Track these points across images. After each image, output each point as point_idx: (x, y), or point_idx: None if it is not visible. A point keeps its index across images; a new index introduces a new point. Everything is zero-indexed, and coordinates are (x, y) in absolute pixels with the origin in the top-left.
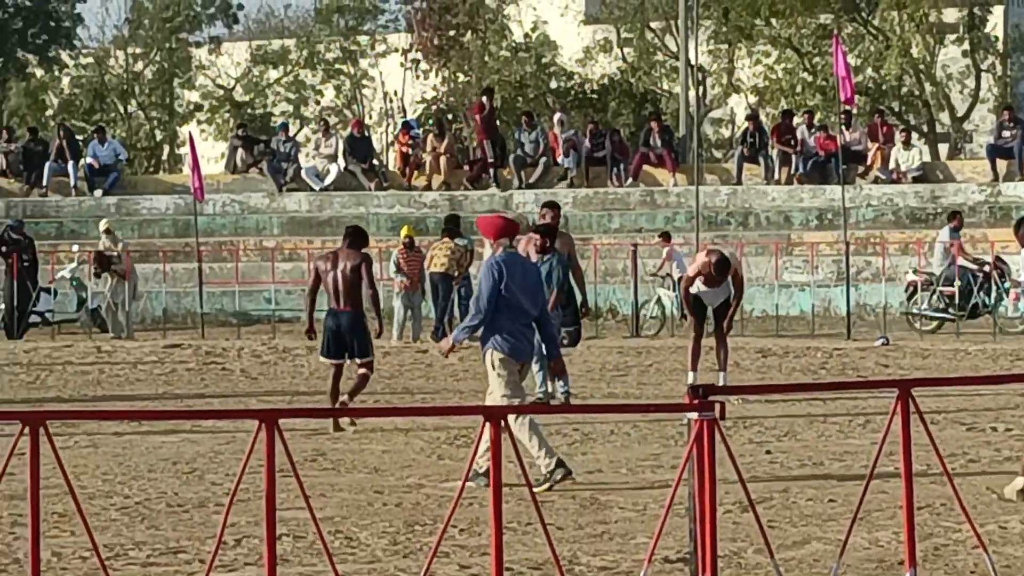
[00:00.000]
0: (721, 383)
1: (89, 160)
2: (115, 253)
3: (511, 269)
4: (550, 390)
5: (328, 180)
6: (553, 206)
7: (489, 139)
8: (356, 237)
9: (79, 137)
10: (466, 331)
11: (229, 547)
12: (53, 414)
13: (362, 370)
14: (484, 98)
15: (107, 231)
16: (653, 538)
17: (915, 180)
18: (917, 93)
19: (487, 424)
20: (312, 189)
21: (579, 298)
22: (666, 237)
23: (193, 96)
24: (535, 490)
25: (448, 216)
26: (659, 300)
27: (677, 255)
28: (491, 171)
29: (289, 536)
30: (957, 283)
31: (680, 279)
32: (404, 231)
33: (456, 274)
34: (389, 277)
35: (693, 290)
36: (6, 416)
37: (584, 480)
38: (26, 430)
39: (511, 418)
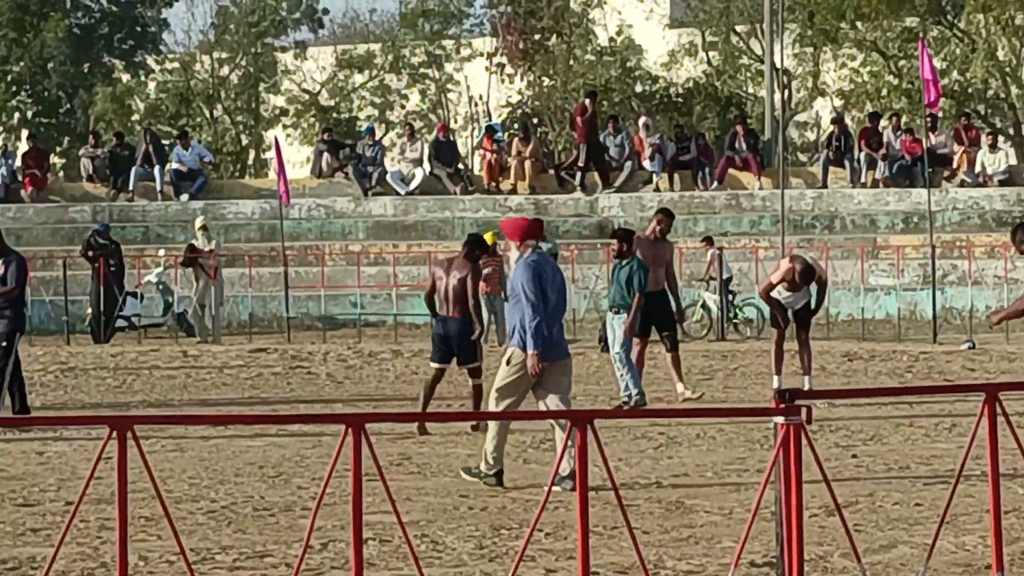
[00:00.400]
0: (806, 387)
1: (175, 165)
2: (207, 250)
3: (543, 268)
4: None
5: (413, 184)
6: (667, 213)
7: (587, 142)
8: (473, 247)
9: (165, 142)
10: (538, 337)
11: (315, 551)
12: (140, 419)
13: (474, 380)
14: (587, 100)
15: (203, 227)
16: (739, 542)
17: (1001, 183)
18: (1003, 96)
19: (573, 428)
20: (397, 193)
21: (674, 304)
22: (709, 241)
23: (279, 101)
24: (463, 475)
25: (532, 221)
26: (704, 304)
27: (721, 257)
28: (581, 174)
29: (375, 540)
30: None
31: (726, 280)
32: (488, 237)
33: None
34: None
35: (774, 294)
36: (94, 420)
37: (670, 484)
38: (114, 434)
39: (492, 404)
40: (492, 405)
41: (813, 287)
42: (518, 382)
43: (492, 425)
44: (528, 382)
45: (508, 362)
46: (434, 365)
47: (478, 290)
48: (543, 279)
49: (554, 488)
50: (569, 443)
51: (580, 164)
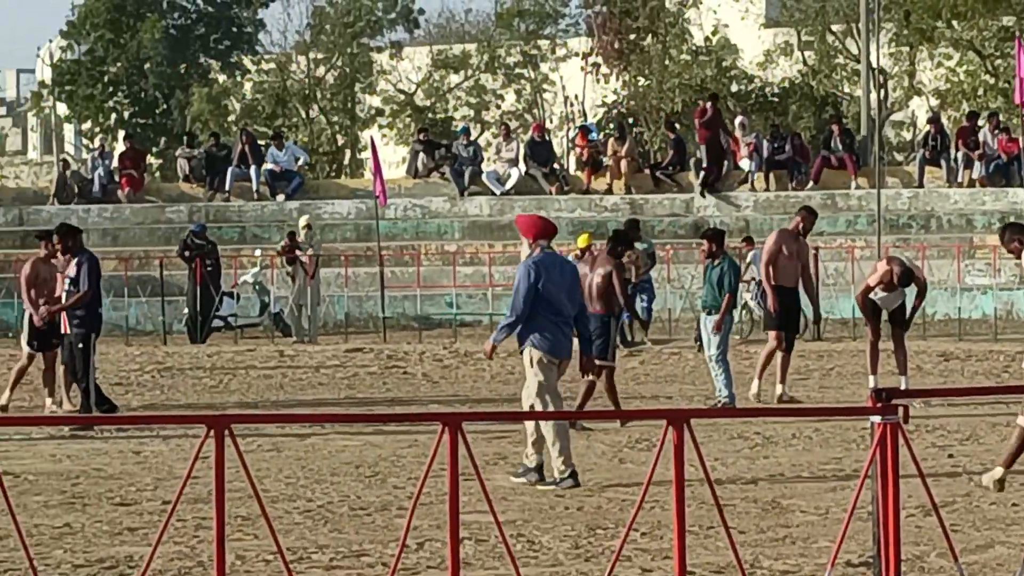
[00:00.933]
0: (902, 387)
1: (270, 165)
2: (307, 251)
3: (548, 269)
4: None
5: (509, 184)
6: (810, 211)
7: (708, 144)
8: (616, 242)
9: (261, 142)
10: (504, 331)
11: (411, 550)
12: (237, 417)
13: (591, 376)
14: (708, 104)
15: (307, 226)
16: (836, 542)
17: None
18: None
19: (670, 427)
20: (493, 193)
21: (811, 305)
22: (749, 241)
23: (374, 101)
24: (513, 480)
25: (628, 220)
26: (745, 304)
27: (755, 256)
28: (705, 176)
29: (471, 540)
30: None
31: (758, 280)
32: (582, 240)
33: (633, 279)
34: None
35: (872, 282)
36: (191, 420)
37: (766, 484)
38: (211, 433)
39: (539, 407)
40: (538, 408)
41: (911, 288)
42: (551, 377)
43: (549, 430)
44: (556, 375)
45: (531, 363)
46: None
47: (625, 285)
48: (542, 279)
49: (517, 480)
50: (558, 457)
51: (704, 166)
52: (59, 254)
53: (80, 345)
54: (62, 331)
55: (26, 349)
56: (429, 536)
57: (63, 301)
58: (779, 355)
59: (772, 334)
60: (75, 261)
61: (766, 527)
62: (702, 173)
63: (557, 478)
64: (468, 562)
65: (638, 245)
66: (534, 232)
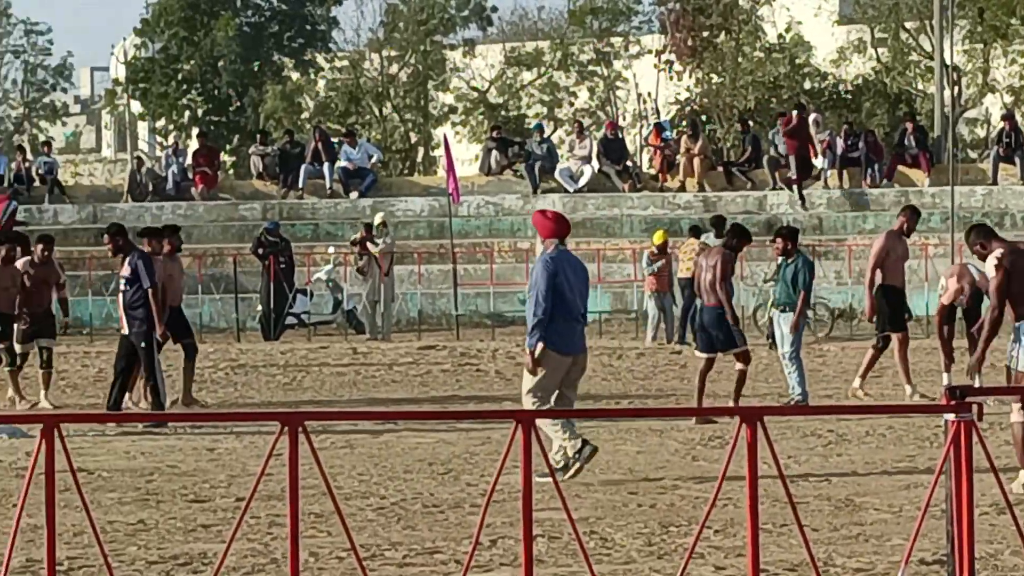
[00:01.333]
0: (976, 384)
1: (343, 163)
2: (379, 244)
3: (563, 266)
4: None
5: (582, 182)
6: (913, 210)
7: (796, 153)
8: (735, 235)
9: (334, 140)
10: (536, 333)
11: (484, 548)
12: (311, 415)
13: (739, 365)
14: (794, 112)
15: (382, 223)
16: (909, 540)
17: None
18: None
19: (743, 425)
20: (566, 191)
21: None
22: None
23: (447, 98)
24: (562, 479)
25: (714, 217)
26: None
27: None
28: (796, 187)
29: (544, 537)
30: None
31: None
32: (658, 237)
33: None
34: (641, 277)
35: (946, 300)
36: (265, 416)
37: (839, 481)
38: (285, 430)
39: (528, 403)
40: (528, 404)
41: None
42: (546, 377)
43: (550, 427)
44: (559, 375)
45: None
46: (699, 355)
47: (728, 276)
48: (559, 278)
49: (542, 480)
50: (564, 436)
51: (792, 176)
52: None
53: (143, 344)
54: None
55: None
56: (502, 533)
57: (121, 300)
58: (870, 351)
59: (895, 336)
60: (128, 260)
61: (839, 525)
62: (794, 186)
63: (572, 455)
64: (541, 559)
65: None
66: (550, 230)
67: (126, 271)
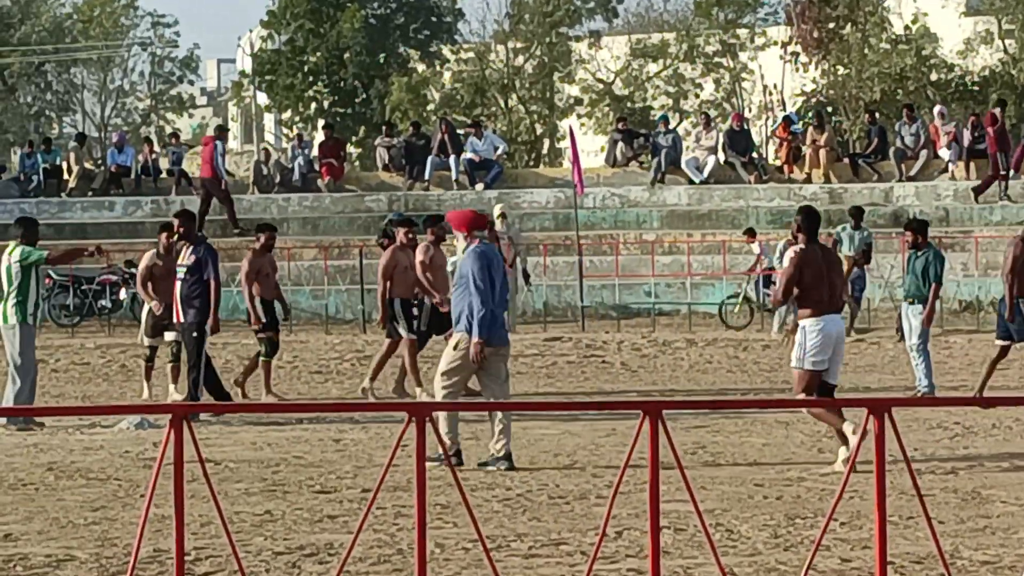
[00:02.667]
0: None
1: (469, 155)
2: (504, 236)
3: (490, 258)
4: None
5: (707, 173)
6: None
7: (1001, 151)
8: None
9: (460, 131)
10: (482, 326)
11: (610, 539)
12: (435, 406)
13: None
14: (997, 110)
15: (501, 216)
16: None
17: None
18: None
19: (870, 416)
20: (692, 182)
21: None
22: (751, 233)
23: (573, 90)
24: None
25: (853, 208)
26: (746, 295)
27: (764, 248)
28: (1003, 186)
29: (670, 528)
30: None
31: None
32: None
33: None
34: (770, 268)
35: None
36: (393, 408)
37: (966, 473)
38: (412, 421)
39: (437, 386)
40: (437, 388)
41: None
42: (462, 366)
43: (441, 415)
44: (471, 367)
45: (456, 347)
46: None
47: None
48: (491, 268)
49: (487, 468)
50: (499, 428)
51: (1002, 172)
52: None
53: (195, 334)
54: (175, 319)
55: (407, 336)
56: (628, 525)
57: (179, 290)
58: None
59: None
60: (192, 250)
61: (966, 517)
62: (993, 183)
63: (440, 454)
64: (667, 551)
65: (856, 234)
66: (467, 225)
67: (189, 259)
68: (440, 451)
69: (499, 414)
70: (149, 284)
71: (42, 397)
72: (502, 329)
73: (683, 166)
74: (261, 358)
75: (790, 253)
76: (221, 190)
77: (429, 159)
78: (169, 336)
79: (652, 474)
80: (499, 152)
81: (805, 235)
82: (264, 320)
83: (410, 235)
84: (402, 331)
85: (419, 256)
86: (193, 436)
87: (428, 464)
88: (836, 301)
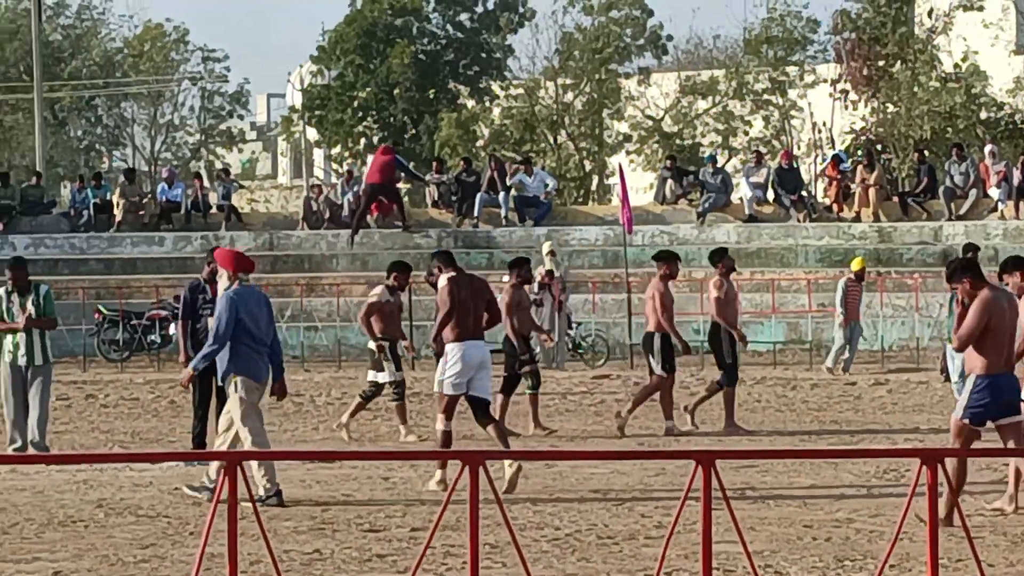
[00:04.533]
0: None
1: (514, 191)
2: (556, 275)
3: (246, 300)
4: None
5: (756, 211)
6: None
7: None
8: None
9: (509, 168)
10: (204, 359)
11: None
12: (492, 454)
13: None
14: None
15: (551, 253)
16: None
17: None
18: None
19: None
20: (739, 220)
21: None
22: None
23: (622, 127)
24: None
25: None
26: None
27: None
28: None
29: (719, 570)
30: None
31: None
32: (856, 263)
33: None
34: (828, 306)
35: None
36: (447, 456)
37: (1015, 517)
38: (466, 469)
39: (241, 429)
40: (242, 430)
41: None
42: (249, 407)
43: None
44: (254, 403)
45: (236, 389)
46: None
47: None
48: (241, 312)
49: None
50: (259, 471)
51: None
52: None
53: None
54: None
55: (659, 371)
56: (677, 566)
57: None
58: None
59: None
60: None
61: (1015, 560)
62: None
63: (261, 495)
64: None
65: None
66: (233, 266)
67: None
68: (260, 492)
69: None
70: (374, 321)
71: (91, 432)
72: (266, 366)
73: (735, 200)
74: (528, 391)
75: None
76: (394, 191)
77: (478, 195)
78: (384, 376)
79: (704, 522)
80: (549, 189)
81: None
82: (527, 354)
83: (521, 274)
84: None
85: (505, 299)
86: (245, 479)
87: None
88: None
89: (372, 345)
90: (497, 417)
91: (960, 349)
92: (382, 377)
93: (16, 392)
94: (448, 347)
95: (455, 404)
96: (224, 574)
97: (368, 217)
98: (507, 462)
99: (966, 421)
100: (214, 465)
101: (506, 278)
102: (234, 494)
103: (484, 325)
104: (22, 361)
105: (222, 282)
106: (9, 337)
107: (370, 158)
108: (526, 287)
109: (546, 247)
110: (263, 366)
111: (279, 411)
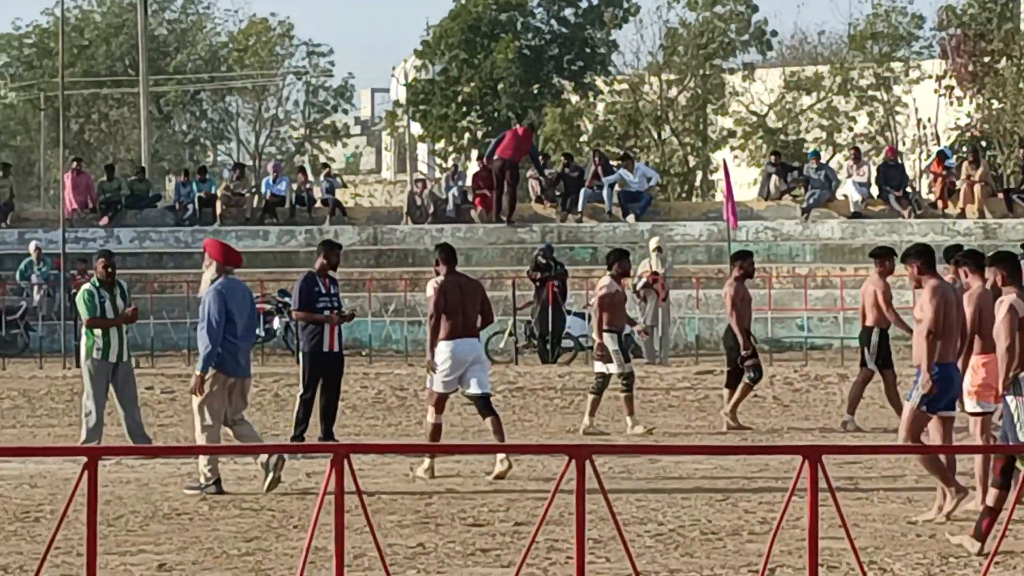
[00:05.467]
0: None
1: (615, 184)
2: (661, 272)
3: (232, 294)
4: None
5: (861, 207)
6: None
7: None
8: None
9: (613, 163)
10: (208, 360)
11: None
12: (599, 448)
13: None
14: None
15: (657, 249)
16: None
17: None
18: None
19: None
20: (843, 216)
21: None
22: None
23: (726, 122)
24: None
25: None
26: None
27: None
28: None
29: (823, 566)
30: None
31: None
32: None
33: None
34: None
35: None
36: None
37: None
38: (572, 463)
39: (197, 423)
40: (196, 419)
41: None
42: (220, 394)
43: (201, 439)
44: (224, 397)
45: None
46: None
47: None
48: (229, 305)
49: (191, 490)
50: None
51: None
52: None
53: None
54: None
55: (871, 366)
56: (780, 561)
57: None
58: None
59: None
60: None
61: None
62: None
63: (201, 483)
64: None
65: None
66: (222, 257)
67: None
68: (200, 481)
69: (201, 438)
70: (605, 314)
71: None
72: (246, 361)
73: (837, 199)
74: (745, 382)
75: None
76: (517, 174)
77: (582, 190)
78: (613, 368)
79: (811, 518)
80: (651, 183)
81: None
82: (752, 347)
83: (744, 267)
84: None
85: (728, 292)
86: (353, 474)
87: (188, 491)
88: None
89: (603, 339)
90: (730, 409)
91: (928, 337)
92: (611, 368)
93: (104, 389)
94: (439, 345)
95: (445, 400)
96: (328, 567)
97: (472, 212)
98: (499, 457)
99: (923, 408)
100: (203, 458)
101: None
102: (341, 487)
103: (479, 325)
104: (113, 357)
105: (209, 273)
106: (98, 333)
107: (475, 153)
108: (623, 280)
109: (653, 243)
110: (241, 361)
111: (382, 406)
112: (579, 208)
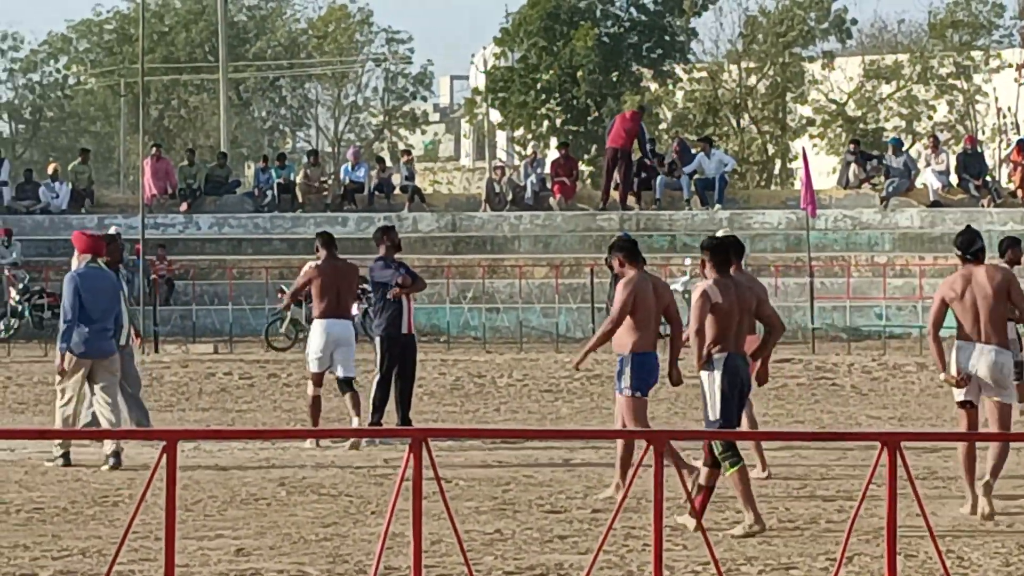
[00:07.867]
0: None
1: (694, 171)
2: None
3: (89, 281)
4: None
5: (940, 196)
6: None
7: None
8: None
9: (693, 150)
10: (65, 340)
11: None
12: (675, 434)
13: None
14: None
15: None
16: None
17: None
18: None
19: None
20: (922, 205)
21: None
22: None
23: (805, 111)
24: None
25: None
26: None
27: None
28: None
29: (900, 555)
30: None
31: None
32: None
33: None
34: None
35: None
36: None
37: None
38: (650, 448)
39: (57, 402)
40: (58, 404)
41: None
42: (77, 377)
43: (58, 417)
44: (80, 376)
45: (66, 365)
46: None
47: None
48: (82, 290)
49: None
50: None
51: None
52: None
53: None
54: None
55: None
56: (857, 550)
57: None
58: None
59: None
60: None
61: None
62: None
63: (54, 453)
64: None
65: None
66: (82, 247)
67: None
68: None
69: (104, 416)
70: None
71: (273, 411)
72: (106, 343)
73: (916, 188)
74: None
75: None
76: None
77: (659, 178)
78: None
79: (890, 506)
80: (727, 168)
81: None
82: None
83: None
84: None
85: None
86: (432, 459)
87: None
88: None
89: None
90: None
91: (615, 325)
92: None
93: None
94: (313, 323)
95: (322, 377)
96: (405, 553)
97: (551, 199)
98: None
99: (638, 394)
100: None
101: (687, 261)
102: (419, 472)
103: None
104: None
105: (74, 262)
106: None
107: (553, 141)
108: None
109: (721, 232)
110: (102, 343)
111: (460, 392)
112: (657, 195)
